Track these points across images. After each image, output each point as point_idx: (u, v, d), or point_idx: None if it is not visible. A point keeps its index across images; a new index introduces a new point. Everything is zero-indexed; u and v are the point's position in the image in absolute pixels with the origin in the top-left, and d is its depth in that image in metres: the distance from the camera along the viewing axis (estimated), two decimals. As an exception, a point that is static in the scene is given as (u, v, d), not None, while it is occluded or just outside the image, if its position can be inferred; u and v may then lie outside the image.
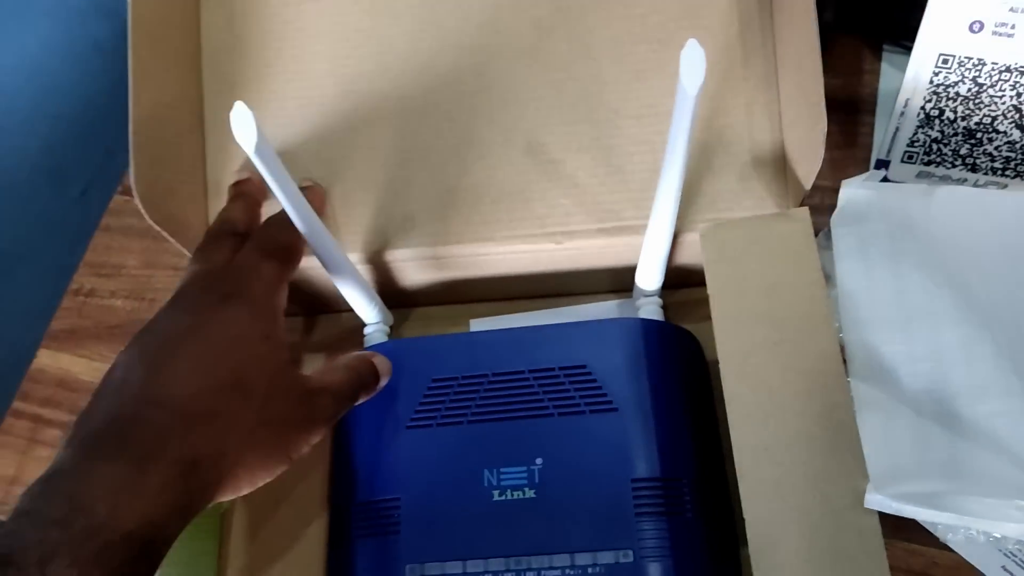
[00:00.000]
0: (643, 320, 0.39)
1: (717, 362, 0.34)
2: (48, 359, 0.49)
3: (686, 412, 0.37)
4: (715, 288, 0.36)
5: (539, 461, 0.35)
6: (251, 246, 0.36)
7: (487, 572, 0.33)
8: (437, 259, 0.41)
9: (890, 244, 0.35)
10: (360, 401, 0.36)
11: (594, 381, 0.36)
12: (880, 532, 0.30)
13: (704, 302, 0.42)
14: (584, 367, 0.36)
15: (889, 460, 0.31)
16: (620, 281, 0.43)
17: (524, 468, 0.35)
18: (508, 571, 0.33)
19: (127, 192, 0.52)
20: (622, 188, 0.39)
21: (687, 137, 0.29)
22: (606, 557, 0.33)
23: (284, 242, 0.36)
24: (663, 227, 0.35)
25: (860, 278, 0.34)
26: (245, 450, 0.31)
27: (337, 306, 0.45)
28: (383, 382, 0.37)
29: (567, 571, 0.33)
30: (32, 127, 1.00)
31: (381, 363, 0.38)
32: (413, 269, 0.42)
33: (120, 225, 0.52)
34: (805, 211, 0.36)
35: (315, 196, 0.39)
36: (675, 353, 0.38)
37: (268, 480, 0.32)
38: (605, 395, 0.35)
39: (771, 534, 0.31)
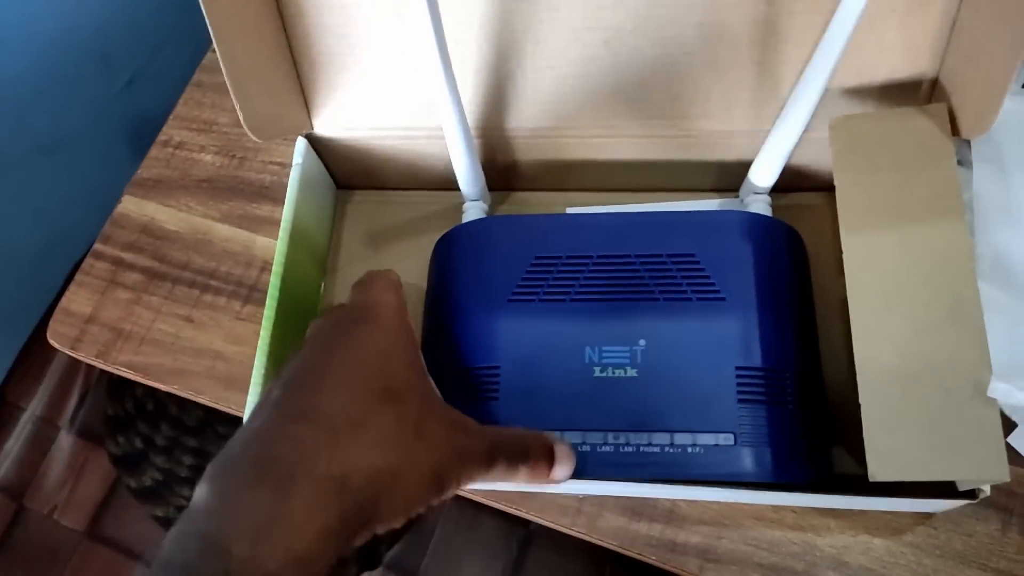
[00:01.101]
0: (754, 214, 0.38)
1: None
2: (132, 205, 0.48)
3: (792, 307, 0.36)
4: (843, 178, 0.35)
5: (642, 343, 0.34)
6: (364, 288, 0.34)
7: (585, 443, 0.33)
8: (545, 138, 0.40)
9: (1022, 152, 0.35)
10: (519, 476, 0.32)
11: (702, 270, 0.35)
12: (1000, 424, 0.30)
13: (811, 208, 0.43)
14: (693, 256, 0.36)
15: (1013, 358, 0.31)
16: (725, 180, 0.43)
17: (627, 348, 0.34)
18: (606, 444, 0.33)
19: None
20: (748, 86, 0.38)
21: (849, 32, 0.28)
22: (706, 439, 0.33)
23: (395, 278, 0.34)
24: (797, 120, 0.35)
25: (996, 182, 0.34)
26: (401, 467, 0.27)
27: (432, 184, 0.45)
28: (557, 475, 0.32)
29: (666, 449, 0.33)
30: (86, 10, 0.99)
31: (563, 454, 0.33)
32: (520, 148, 0.42)
33: (213, 82, 0.51)
34: (943, 106, 0.35)
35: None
36: (784, 249, 0.38)
37: (421, 511, 0.29)
38: (713, 284, 0.35)
39: (888, 422, 0.31)
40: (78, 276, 0.47)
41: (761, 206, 0.41)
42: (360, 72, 0.41)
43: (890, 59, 0.37)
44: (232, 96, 0.36)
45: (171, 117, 0.51)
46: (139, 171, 0.49)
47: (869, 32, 0.36)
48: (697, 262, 0.36)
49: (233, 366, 0.43)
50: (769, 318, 0.35)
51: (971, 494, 0.32)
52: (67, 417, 1.07)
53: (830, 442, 0.36)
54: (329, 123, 0.42)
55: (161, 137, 0.50)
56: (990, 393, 0.30)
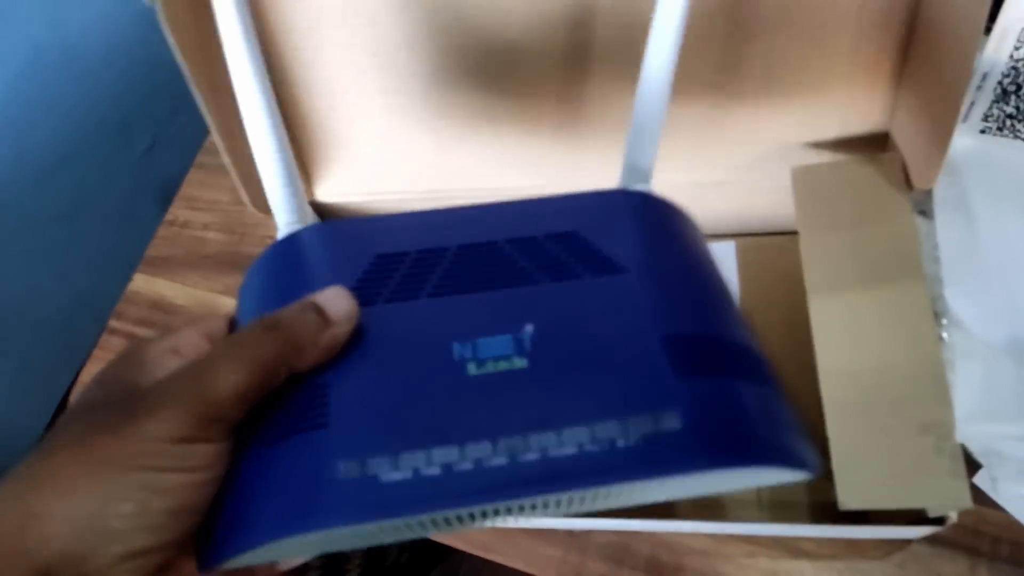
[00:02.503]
0: (634, 191, 0.31)
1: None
2: (143, 283, 0.51)
3: (708, 275, 0.30)
4: (805, 223, 0.37)
5: (528, 329, 0.25)
6: None
7: (465, 460, 0.23)
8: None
9: (991, 193, 0.36)
10: (285, 347, 0.24)
11: (590, 245, 0.28)
12: (961, 455, 0.32)
13: (780, 248, 0.44)
14: (575, 232, 0.28)
15: (984, 403, 0.32)
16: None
17: (510, 337, 0.25)
18: (498, 455, 0.22)
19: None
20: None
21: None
22: (640, 424, 0.23)
23: None
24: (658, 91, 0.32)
25: (960, 228, 0.35)
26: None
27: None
28: (330, 310, 0.25)
29: (586, 447, 0.22)
30: (102, 79, 1.04)
31: (327, 294, 0.25)
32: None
33: (213, 163, 0.55)
34: (897, 155, 0.37)
35: None
36: (675, 219, 0.32)
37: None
38: (608, 258, 0.28)
39: (854, 453, 0.33)
40: (96, 352, 0.50)
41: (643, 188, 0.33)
42: (353, 144, 0.43)
43: (844, 113, 0.39)
44: (233, 175, 0.38)
45: (177, 198, 0.54)
46: (148, 250, 0.53)
47: (824, 88, 0.38)
48: (584, 239, 0.28)
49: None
50: (688, 285, 0.29)
51: (939, 521, 0.33)
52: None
53: (803, 429, 0.28)
54: (328, 190, 0.44)
55: (168, 217, 0.53)
56: (959, 439, 0.32)
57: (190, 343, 0.26)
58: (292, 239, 0.30)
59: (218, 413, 0.22)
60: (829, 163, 0.38)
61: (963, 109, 0.44)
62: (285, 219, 0.32)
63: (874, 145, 0.39)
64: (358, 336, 0.25)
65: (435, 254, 0.28)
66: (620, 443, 0.23)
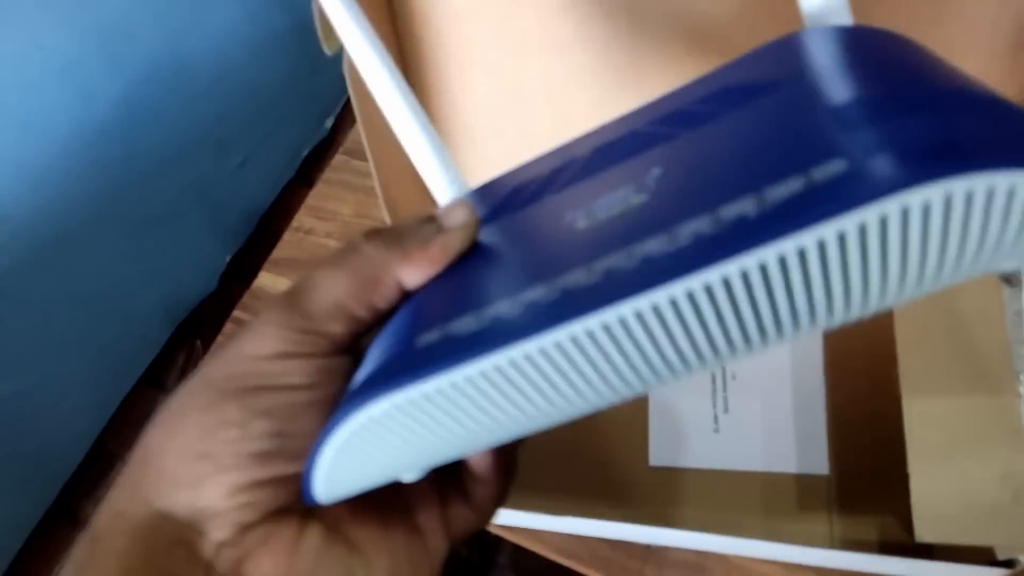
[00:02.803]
0: (817, 30, 0.22)
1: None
2: (268, 280, 0.56)
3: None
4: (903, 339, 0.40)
5: (655, 172, 0.19)
6: None
7: (597, 268, 0.16)
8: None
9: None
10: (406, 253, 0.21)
11: (750, 87, 0.21)
12: None
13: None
14: (734, 87, 0.21)
15: None
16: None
17: (630, 188, 0.19)
18: (647, 246, 0.16)
19: (347, 153, 0.60)
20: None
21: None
22: (811, 174, 0.15)
23: None
24: None
25: None
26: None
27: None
28: (448, 221, 0.22)
29: (750, 212, 0.15)
30: (208, 100, 1.12)
31: (449, 210, 0.22)
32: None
33: (338, 179, 0.60)
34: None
35: None
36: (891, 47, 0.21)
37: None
38: (774, 81, 0.20)
39: (933, 492, 0.36)
40: (219, 339, 0.55)
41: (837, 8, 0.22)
42: (488, 158, 0.46)
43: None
44: (377, 188, 0.41)
45: (303, 207, 0.59)
46: (275, 252, 0.58)
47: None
48: (742, 87, 0.21)
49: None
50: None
51: (1009, 564, 0.36)
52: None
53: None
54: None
55: (294, 223, 0.59)
56: None
57: None
58: None
59: (315, 326, 0.20)
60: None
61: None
62: (444, 194, 0.27)
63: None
64: (479, 253, 0.21)
65: (569, 164, 0.23)
66: (788, 194, 0.15)
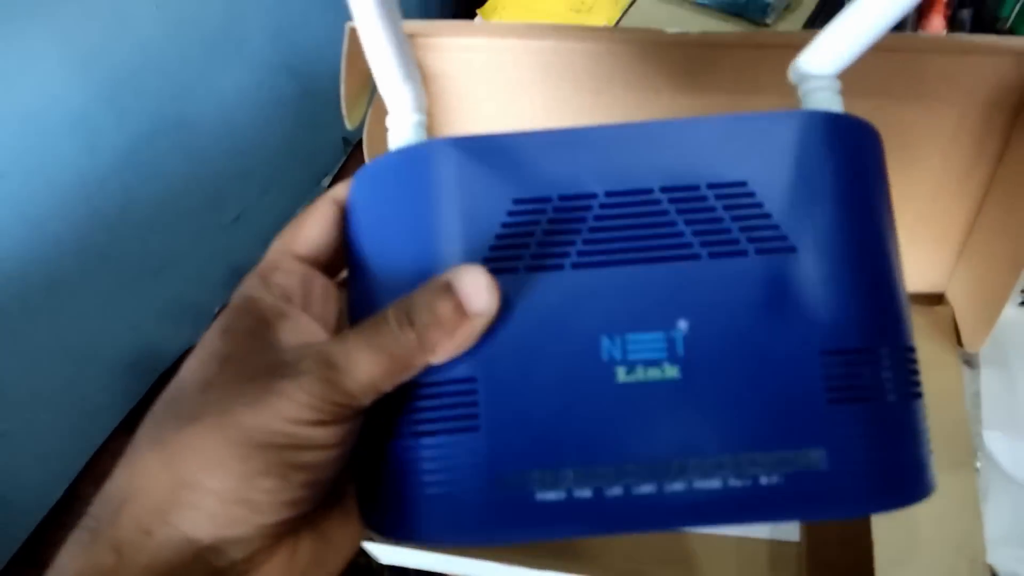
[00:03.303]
0: (821, 113, 0.25)
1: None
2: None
3: (884, 243, 0.25)
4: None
5: (682, 325, 0.23)
6: None
7: (615, 484, 0.22)
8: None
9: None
10: (419, 338, 0.23)
11: (759, 206, 0.24)
12: (989, 573, 0.37)
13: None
14: (744, 184, 0.24)
15: (1013, 529, 0.37)
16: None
17: (662, 335, 0.23)
18: (645, 482, 0.22)
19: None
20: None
21: None
22: (788, 461, 0.22)
23: None
24: None
25: (1001, 382, 0.41)
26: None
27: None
28: (472, 305, 0.23)
29: (730, 482, 0.22)
30: (209, 156, 1.15)
31: (466, 275, 0.23)
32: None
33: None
34: (949, 310, 0.43)
35: None
36: (866, 160, 0.26)
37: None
38: (776, 227, 0.24)
39: (896, 559, 0.37)
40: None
41: (828, 96, 0.27)
42: None
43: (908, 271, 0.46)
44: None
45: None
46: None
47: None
48: (751, 194, 0.24)
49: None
50: (857, 270, 0.24)
51: None
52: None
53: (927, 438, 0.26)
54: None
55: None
56: (989, 559, 0.36)
57: (291, 283, 0.26)
58: (418, 155, 0.26)
59: (351, 402, 0.23)
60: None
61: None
62: (400, 102, 0.28)
63: (930, 300, 0.45)
64: (505, 312, 0.24)
65: (579, 202, 0.25)
66: (763, 480, 0.22)
